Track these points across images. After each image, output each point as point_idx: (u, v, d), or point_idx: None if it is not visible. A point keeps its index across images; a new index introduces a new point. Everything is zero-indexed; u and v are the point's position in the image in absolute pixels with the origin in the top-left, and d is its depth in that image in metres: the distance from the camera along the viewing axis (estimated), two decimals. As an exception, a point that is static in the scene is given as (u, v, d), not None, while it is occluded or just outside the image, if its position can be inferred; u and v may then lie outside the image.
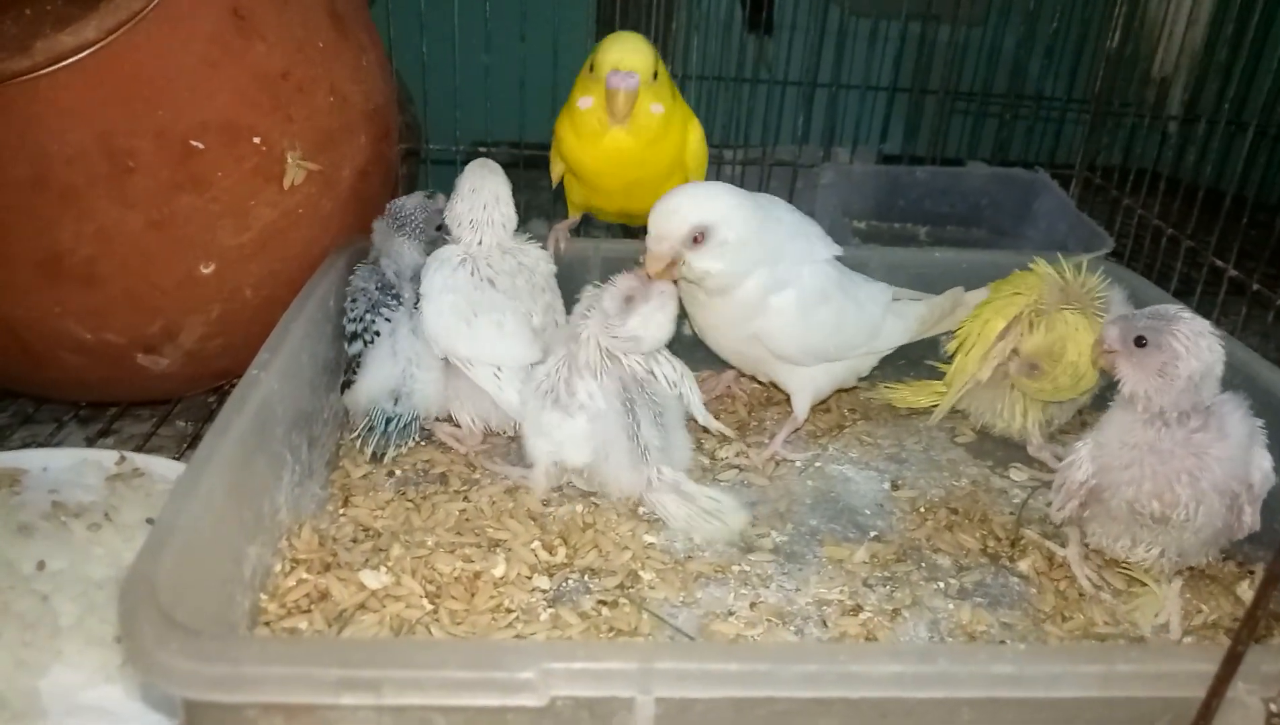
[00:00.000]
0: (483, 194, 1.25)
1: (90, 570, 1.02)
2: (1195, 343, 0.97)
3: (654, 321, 1.15)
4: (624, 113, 1.21)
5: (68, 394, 1.45)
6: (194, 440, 1.41)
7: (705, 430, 1.27)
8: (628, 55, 1.20)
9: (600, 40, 1.25)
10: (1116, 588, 1.08)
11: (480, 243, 1.25)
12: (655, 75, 1.23)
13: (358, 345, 1.22)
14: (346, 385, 1.23)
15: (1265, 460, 0.99)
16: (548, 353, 1.21)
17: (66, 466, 1.19)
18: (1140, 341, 0.99)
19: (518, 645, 0.83)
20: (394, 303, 1.24)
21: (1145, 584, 1.07)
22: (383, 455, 1.20)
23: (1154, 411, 0.98)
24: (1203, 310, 1.39)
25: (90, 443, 1.39)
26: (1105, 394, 1.15)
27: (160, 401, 1.49)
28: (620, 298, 1.14)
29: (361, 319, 1.22)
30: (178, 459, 1.28)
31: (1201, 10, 1.80)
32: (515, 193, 1.30)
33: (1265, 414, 1.09)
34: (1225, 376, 1.16)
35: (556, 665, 0.67)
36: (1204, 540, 1.02)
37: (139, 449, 1.33)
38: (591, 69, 1.24)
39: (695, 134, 1.34)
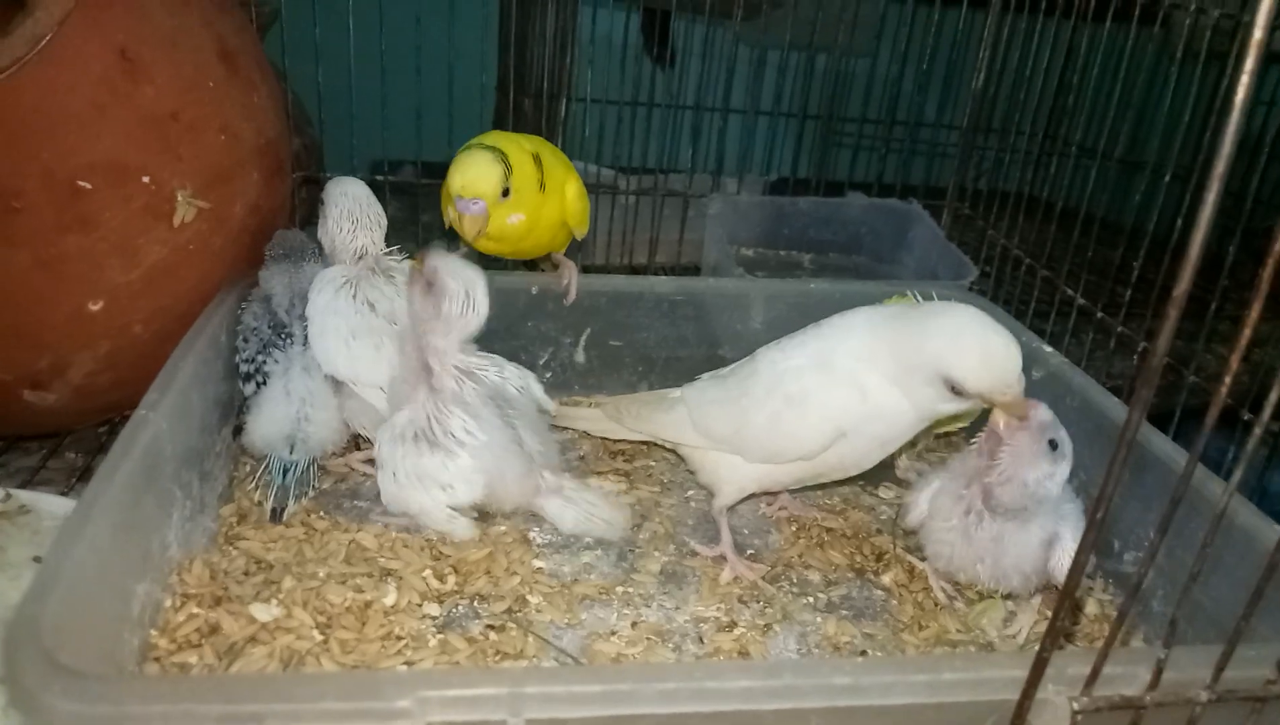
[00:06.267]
0: (348, 200, 1.30)
1: (-26, 611, 1.02)
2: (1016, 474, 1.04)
3: (459, 284, 1.13)
4: (473, 235, 1.26)
5: (-49, 430, 1.43)
6: (84, 473, 1.40)
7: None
8: (471, 183, 1.22)
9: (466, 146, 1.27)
10: (969, 598, 1.18)
11: (360, 254, 1.29)
12: (506, 192, 1.23)
13: (251, 386, 1.23)
14: (239, 429, 1.24)
15: (1069, 545, 1.03)
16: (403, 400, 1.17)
17: (-50, 505, 1.18)
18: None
19: (394, 675, 0.87)
20: (285, 342, 1.25)
21: (990, 598, 1.16)
22: (282, 511, 1.19)
23: (982, 506, 1.07)
24: (1055, 336, 1.51)
25: (-25, 478, 1.37)
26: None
27: (49, 435, 1.48)
28: (423, 297, 1.13)
29: (254, 360, 1.24)
30: (67, 493, 1.27)
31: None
32: (418, 214, 1.32)
33: (1098, 437, 1.20)
34: (1063, 399, 1.26)
35: (431, 693, 0.71)
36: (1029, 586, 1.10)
37: (27, 483, 1.32)
38: None
39: (573, 189, 1.37)
